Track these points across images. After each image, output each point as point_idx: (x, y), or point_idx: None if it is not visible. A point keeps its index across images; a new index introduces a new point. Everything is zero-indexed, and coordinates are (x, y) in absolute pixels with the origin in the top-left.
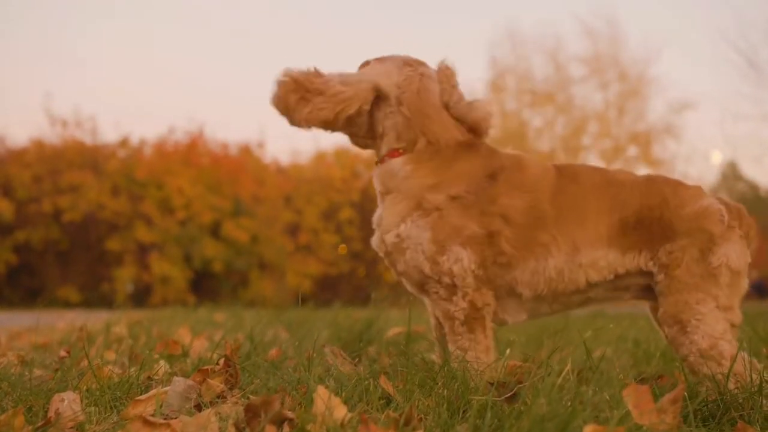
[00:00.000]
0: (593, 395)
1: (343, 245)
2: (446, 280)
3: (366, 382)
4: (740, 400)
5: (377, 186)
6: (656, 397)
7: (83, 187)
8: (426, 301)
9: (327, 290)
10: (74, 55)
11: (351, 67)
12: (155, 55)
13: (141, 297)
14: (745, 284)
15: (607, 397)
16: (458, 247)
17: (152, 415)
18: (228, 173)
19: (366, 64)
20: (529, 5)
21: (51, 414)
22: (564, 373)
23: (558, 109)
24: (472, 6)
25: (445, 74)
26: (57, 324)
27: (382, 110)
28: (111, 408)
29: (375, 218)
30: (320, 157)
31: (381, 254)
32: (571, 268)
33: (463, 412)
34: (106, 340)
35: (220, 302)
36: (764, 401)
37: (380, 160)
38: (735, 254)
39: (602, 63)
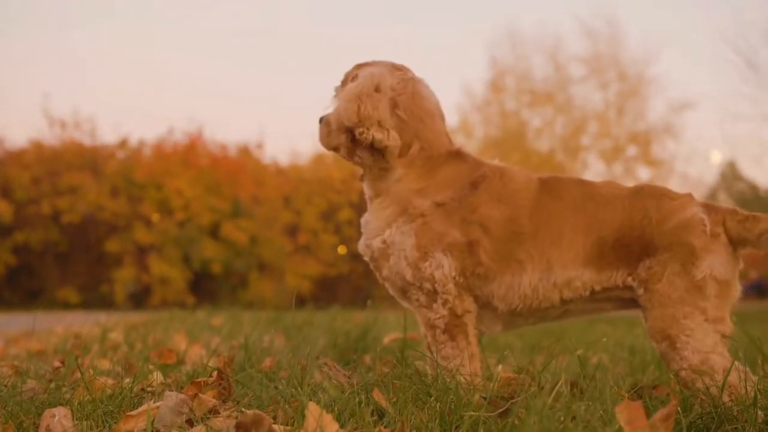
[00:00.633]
0: (586, 411)
1: (343, 246)
2: (427, 286)
3: (358, 398)
4: (735, 413)
5: (366, 190)
6: (651, 410)
7: (82, 188)
8: (410, 307)
9: (326, 291)
10: (73, 55)
11: (349, 67)
12: (154, 56)
13: (140, 298)
14: (735, 292)
15: (601, 412)
16: (440, 253)
17: (144, 431)
18: (227, 174)
19: (358, 67)
20: (528, 5)
21: (41, 431)
22: (557, 387)
23: (557, 109)
24: (472, 6)
25: None
26: (55, 328)
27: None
28: (103, 423)
29: (362, 222)
30: (319, 158)
31: (366, 259)
32: (545, 286)
33: (456, 427)
34: (101, 347)
35: (219, 303)
36: (760, 413)
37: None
38: (720, 265)
39: (602, 63)
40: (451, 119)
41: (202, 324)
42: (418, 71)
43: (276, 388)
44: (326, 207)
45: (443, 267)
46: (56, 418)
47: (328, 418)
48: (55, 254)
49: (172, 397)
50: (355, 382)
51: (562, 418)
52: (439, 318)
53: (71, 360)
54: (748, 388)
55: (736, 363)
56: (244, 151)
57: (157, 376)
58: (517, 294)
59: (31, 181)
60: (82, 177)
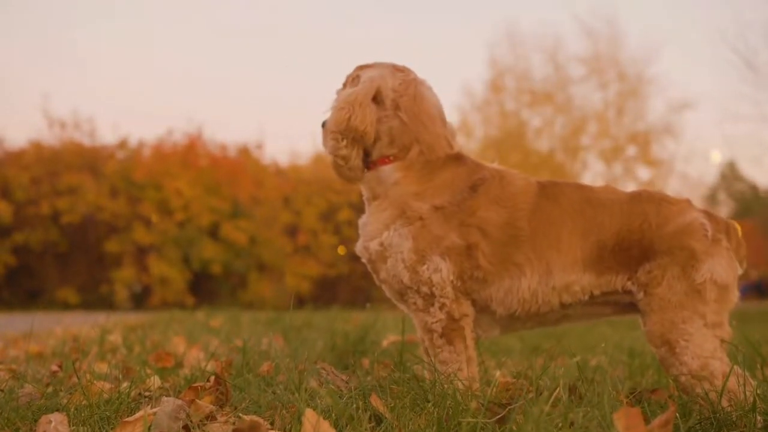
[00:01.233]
0: (584, 417)
1: (342, 246)
2: (425, 289)
3: (356, 404)
4: (734, 418)
5: (364, 192)
6: (650, 416)
7: (82, 188)
8: (406, 310)
9: (326, 291)
10: (73, 56)
11: (349, 67)
12: (154, 56)
13: (140, 298)
14: (734, 297)
15: (599, 418)
16: (438, 257)
17: None
18: (227, 174)
19: (359, 69)
20: (528, 5)
21: None
22: (555, 393)
23: (557, 109)
24: (472, 6)
25: None
26: (54, 329)
27: (377, 114)
28: (100, 429)
29: (360, 224)
30: (319, 159)
31: (364, 260)
32: (544, 290)
33: None
34: (100, 350)
35: (218, 304)
36: (759, 417)
37: (369, 166)
38: (721, 268)
39: (601, 63)
40: (452, 119)
41: (202, 325)
42: (418, 71)
43: (274, 393)
44: (326, 207)
45: (441, 271)
46: (52, 424)
47: (325, 425)
48: (55, 255)
49: (169, 403)
50: (353, 387)
51: (560, 425)
52: (437, 322)
53: (69, 363)
54: (748, 393)
55: (736, 367)
56: (244, 152)
57: (155, 381)
58: (516, 298)
59: (30, 181)
60: (81, 177)
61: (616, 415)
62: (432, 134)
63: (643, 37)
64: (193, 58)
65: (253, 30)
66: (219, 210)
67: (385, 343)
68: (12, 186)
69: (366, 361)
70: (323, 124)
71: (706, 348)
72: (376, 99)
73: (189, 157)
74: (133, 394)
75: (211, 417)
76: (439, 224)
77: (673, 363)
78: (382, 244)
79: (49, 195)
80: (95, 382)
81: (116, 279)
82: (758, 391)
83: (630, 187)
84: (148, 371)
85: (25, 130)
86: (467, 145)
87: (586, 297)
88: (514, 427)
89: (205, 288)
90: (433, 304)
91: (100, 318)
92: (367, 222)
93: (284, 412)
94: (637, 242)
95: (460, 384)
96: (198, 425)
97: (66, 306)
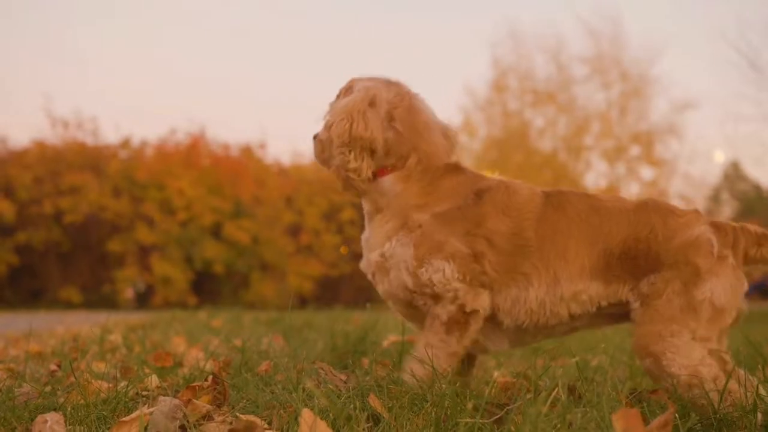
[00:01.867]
0: (582, 418)
1: (345, 246)
2: (428, 291)
3: (353, 404)
4: (734, 418)
5: (366, 205)
6: (649, 416)
7: (84, 188)
8: (414, 327)
9: (328, 291)
10: (76, 55)
11: (351, 67)
12: (157, 55)
13: (143, 298)
14: (730, 319)
15: (598, 418)
16: (440, 261)
17: None
18: (229, 174)
19: (353, 80)
20: (531, 5)
21: None
22: (554, 393)
23: (560, 109)
24: (474, 5)
25: None
26: (56, 328)
27: (378, 120)
28: (96, 428)
29: (363, 240)
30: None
31: (369, 277)
32: (552, 300)
33: None
34: (100, 349)
35: (221, 303)
36: (759, 415)
37: (369, 179)
38: (722, 290)
39: (604, 63)
40: (454, 119)
41: (203, 325)
42: (419, 71)
43: (272, 392)
44: (328, 207)
45: (443, 271)
46: (48, 424)
47: (322, 425)
48: (58, 254)
49: (165, 403)
50: (351, 387)
51: (558, 426)
52: (445, 311)
53: (68, 363)
54: (748, 393)
55: (736, 368)
56: (246, 151)
57: (153, 380)
58: (524, 308)
59: (33, 181)
60: (84, 177)
61: (615, 416)
62: (429, 143)
63: (646, 36)
64: (196, 57)
65: (256, 29)
66: (221, 210)
67: (385, 343)
68: (15, 185)
69: (366, 361)
70: (315, 137)
71: (693, 357)
72: (371, 108)
73: (191, 156)
74: (131, 393)
75: (208, 417)
76: (439, 230)
77: (661, 375)
78: (383, 255)
79: (51, 194)
80: (93, 381)
81: (119, 278)
82: (762, 392)
83: (633, 188)
84: (147, 371)
85: (28, 130)
86: (470, 144)
87: (594, 308)
88: (512, 428)
89: (208, 288)
90: (443, 299)
91: (103, 318)
92: (370, 236)
93: (282, 412)
94: (643, 252)
95: (424, 369)
96: (195, 425)
97: (69, 305)
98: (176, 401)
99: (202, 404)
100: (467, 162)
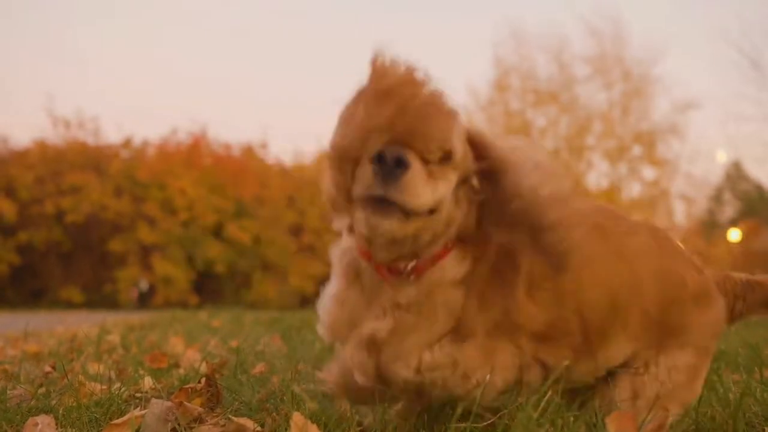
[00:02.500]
0: (575, 422)
1: None
2: None
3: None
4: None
5: None
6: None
7: (86, 188)
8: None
9: None
10: (77, 55)
11: (351, 66)
12: (158, 55)
13: (144, 298)
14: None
15: (591, 421)
16: None
17: None
18: (231, 174)
19: None
20: (533, 4)
21: None
22: (547, 396)
23: (562, 109)
24: (476, 5)
25: None
26: (56, 328)
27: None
28: (88, 430)
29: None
30: (323, 159)
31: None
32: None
33: None
34: (96, 350)
35: (222, 303)
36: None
37: None
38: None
39: (606, 62)
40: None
41: (203, 325)
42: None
43: (267, 393)
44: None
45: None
46: (39, 426)
47: (314, 428)
48: (59, 254)
49: (157, 405)
50: None
51: (550, 430)
52: None
53: (63, 364)
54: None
55: None
56: (248, 151)
57: (147, 382)
58: None
59: (34, 180)
60: (85, 177)
61: (608, 418)
62: None
63: (648, 36)
64: (196, 57)
65: (256, 29)
66: (223, 209)
67: None
68: (16, 185)
69: None
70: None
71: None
72: None
73: (193, 156)
74: (125, 395)
75: (200, 419)
76: None
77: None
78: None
79: (53, 194)
80: (87, 383)
81: (120, 278)
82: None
83: (635, 188)
84: (142, 372)
85: (30, 130)
86: None
87: None
88: (509, 425)
89: (209, 287)
90: None
91: (103, 317)
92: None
93: (275, 414)
94: (674, 309)
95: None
96: (187, 428)
97: (70, 305)
98: (168, 404)
99: (194, 407)
100: None
